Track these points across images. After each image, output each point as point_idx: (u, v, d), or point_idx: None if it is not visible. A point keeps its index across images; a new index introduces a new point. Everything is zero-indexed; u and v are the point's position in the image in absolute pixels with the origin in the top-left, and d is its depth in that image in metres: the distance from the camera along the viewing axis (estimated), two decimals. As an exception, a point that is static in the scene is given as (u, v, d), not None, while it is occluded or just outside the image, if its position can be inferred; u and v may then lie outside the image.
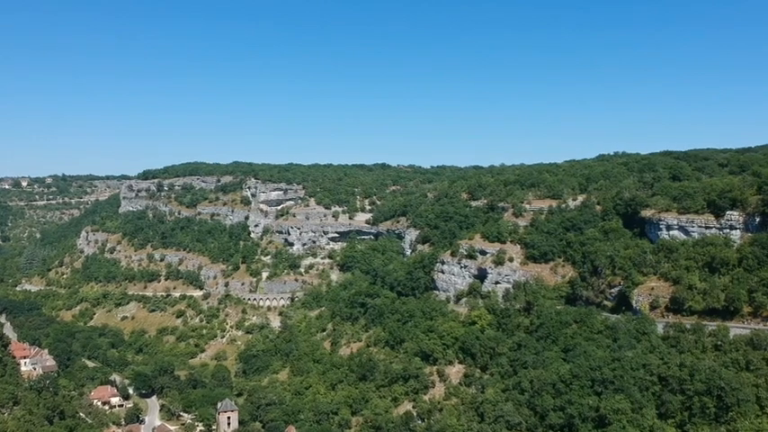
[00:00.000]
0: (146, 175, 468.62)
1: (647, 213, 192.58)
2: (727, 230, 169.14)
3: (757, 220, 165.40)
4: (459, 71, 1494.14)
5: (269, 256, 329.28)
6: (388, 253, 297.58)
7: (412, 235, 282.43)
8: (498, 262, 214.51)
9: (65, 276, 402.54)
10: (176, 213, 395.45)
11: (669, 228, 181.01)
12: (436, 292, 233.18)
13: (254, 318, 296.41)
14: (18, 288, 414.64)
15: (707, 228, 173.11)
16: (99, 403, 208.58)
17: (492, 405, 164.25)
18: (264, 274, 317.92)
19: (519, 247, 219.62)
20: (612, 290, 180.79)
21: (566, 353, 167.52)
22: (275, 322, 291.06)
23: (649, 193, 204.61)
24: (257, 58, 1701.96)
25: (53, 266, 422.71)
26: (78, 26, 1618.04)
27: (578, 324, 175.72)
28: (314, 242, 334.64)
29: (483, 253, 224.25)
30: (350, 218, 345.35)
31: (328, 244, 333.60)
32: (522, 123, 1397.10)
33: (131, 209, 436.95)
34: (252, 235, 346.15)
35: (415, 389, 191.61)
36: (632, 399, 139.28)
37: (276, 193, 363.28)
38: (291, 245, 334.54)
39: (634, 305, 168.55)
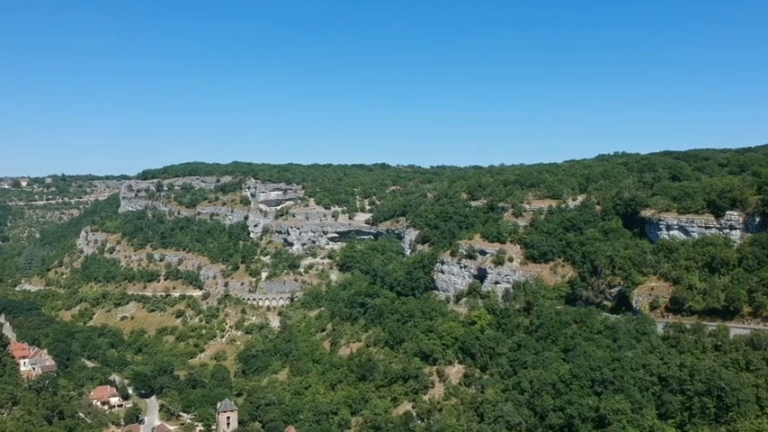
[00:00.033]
0: (145, 175, 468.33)
1: (646, 213, 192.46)
2: (727, 230, 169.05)
3: (757, 220, 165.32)
4: (459, 71, 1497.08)
5: (268, 256, 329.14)
6: (387, 253, 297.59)
7: (411, 235, 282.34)
8: (498, 262, 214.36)
9: (64, 276, 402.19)
10: (176, 213, 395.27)
11: (669, 228, 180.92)
12: (436, 292, 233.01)
13: (254, 318, 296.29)
14: (17, 288, 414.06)
15: (707, 228, 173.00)
16: (98, 403, 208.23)
17: (492, 405, 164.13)
18: (264, 274, 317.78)
19: (519, 247, 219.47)
20: (612, 290, 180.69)
21: (565, 353, 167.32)
22: (275, 322, 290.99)
23: (649, 193, 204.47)
24: (257, 58, 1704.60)
25: (52, 266, 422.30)
26: (78, 26, 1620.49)
27: (578, 324, 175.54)
28: (313, 242, 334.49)
29: (483, 253, 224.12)
30: (349, 218, 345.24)
31: (328, 244, 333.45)
32: (521, 123, 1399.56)
33: (131, 209, 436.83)
34: (251, 235, 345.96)
35: (415, 389, 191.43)
36: (632, 399, 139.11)
37: (276, 193, 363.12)
38: (291, 245, 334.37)
39: (634, 305, 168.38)
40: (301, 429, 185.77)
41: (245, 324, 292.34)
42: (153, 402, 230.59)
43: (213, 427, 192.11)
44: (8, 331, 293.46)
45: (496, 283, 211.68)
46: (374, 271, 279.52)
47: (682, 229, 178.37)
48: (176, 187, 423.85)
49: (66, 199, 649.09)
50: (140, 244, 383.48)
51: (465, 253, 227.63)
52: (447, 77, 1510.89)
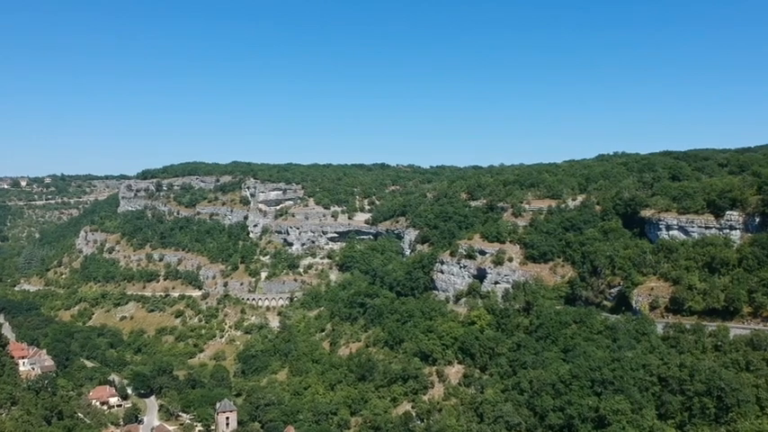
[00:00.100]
0: (145, 175, 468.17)
1: (646, 213, 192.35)
2: (727, 230, 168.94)
3: (757, 220, 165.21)
4: (458, 71, 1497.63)
5: (268, 256, 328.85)
6: (387, 253, 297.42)
7: (411, 235, 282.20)
8: (497, 262, 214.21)
9: (63, 276, 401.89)
10: (175, 213, 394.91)
11: (669, 228, 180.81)
12: (435, 292, 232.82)
13: (253, 318, 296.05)
14: (17, 288, 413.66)
15: (707, 228, 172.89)
16: (97, 403, 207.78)
17: (491, 405, 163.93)
18: (263, 274, 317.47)
19: (518, 247, 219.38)
20: (612, 290, 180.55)
21: (565, 353, 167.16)
22: (274, 322, 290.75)
23: (649, 193, 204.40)
24: (257, 58, 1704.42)
25: (52, 266, 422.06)
26: (78, 26, 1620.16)
27: (578, 324, 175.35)
28: (313, 242, 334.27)
29: (482, 253, 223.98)
30: (349, 218, 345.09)
31: (327, 244, 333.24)
32: (521, 123, 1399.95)
33: (130, 209, 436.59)
34: (251, 235, 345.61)
35: (415, 389, 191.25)
36: (632, 399, 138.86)
37: (275, 192, 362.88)
38: (290, 245, 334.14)
39: (634, 305, 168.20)
40: (301, 429, 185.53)
41: (245, 324, 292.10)
42: (152, 402, 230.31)
43: (212, 428, 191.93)
44: (7, 331, 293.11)
45: (496, 283, 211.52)
46: (374, 271, 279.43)
47: (681, 229, 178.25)
48: (176, 187, 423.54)
49: (65, 199, 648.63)
50: (140, 244, 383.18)
51: (464, 253, 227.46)
52: (447, 77, 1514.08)
